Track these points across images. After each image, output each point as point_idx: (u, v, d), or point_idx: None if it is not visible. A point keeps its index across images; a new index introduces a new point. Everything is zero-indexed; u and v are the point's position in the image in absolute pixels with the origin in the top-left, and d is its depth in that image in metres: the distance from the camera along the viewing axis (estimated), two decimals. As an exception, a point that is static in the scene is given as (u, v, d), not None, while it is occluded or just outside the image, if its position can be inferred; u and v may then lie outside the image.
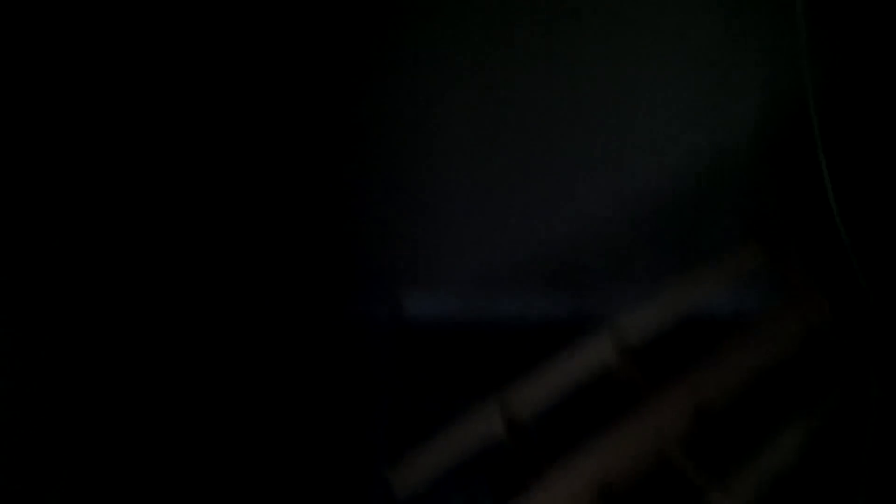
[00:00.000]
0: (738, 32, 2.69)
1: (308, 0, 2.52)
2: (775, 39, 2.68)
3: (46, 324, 2.37)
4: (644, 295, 2.61)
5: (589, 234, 2.88)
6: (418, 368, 2.70)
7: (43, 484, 2.29)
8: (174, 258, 2.70)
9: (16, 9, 2.22)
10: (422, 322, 2.79)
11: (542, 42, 2.67)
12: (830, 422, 2.55)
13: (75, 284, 2.44)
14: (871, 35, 2.65)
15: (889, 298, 2.65)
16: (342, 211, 2.87)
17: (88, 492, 2.35)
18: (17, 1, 2.20)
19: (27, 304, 2.32)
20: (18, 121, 2.26)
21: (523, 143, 2.83)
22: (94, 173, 2.48)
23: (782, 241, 2.77)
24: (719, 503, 2.39)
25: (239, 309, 2.79)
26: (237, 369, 2.70)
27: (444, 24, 2.63)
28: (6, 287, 2.24)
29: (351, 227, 2.89)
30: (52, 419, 2.35)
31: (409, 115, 2.76)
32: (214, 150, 2.67)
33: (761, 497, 2.42)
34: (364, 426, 2.61)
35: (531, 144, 2.83)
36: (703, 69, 2.73)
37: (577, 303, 2.83)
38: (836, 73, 2.68)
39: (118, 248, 2.58)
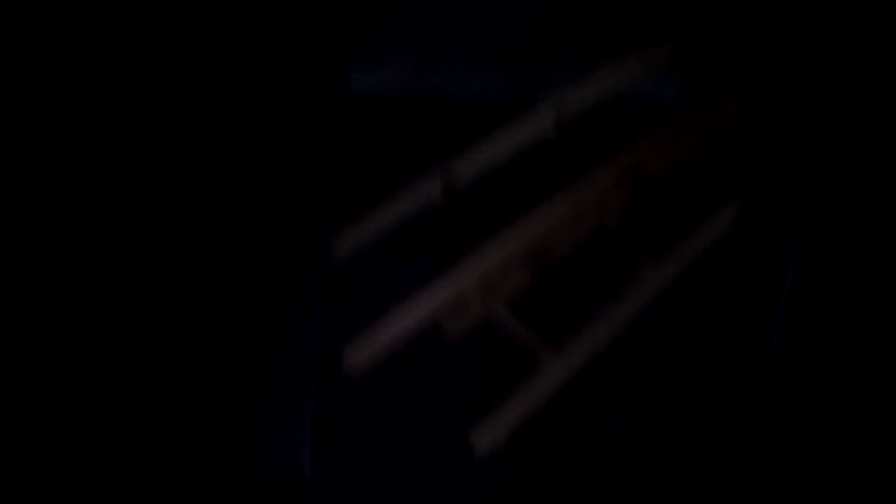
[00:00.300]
0: None
1: None
2: None
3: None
4: (582, 74, 2.64)
5: (531, 17, 2.86)
6: (363, 141, 2.71)
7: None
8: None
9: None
10: (368, 96, 2.78)
11: None
12: (763, 201, 2.62)
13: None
14: None
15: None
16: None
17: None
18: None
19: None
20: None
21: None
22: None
23: (712, 28, 2.78)
24: (652, 274, 2.47)
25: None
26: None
27: None
28: None
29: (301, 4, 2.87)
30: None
31: None
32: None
33: (691, 269, 2.50)
34: (309, 194, 2.63)
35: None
36: None
37: (518, 81, 2.82)
38: None
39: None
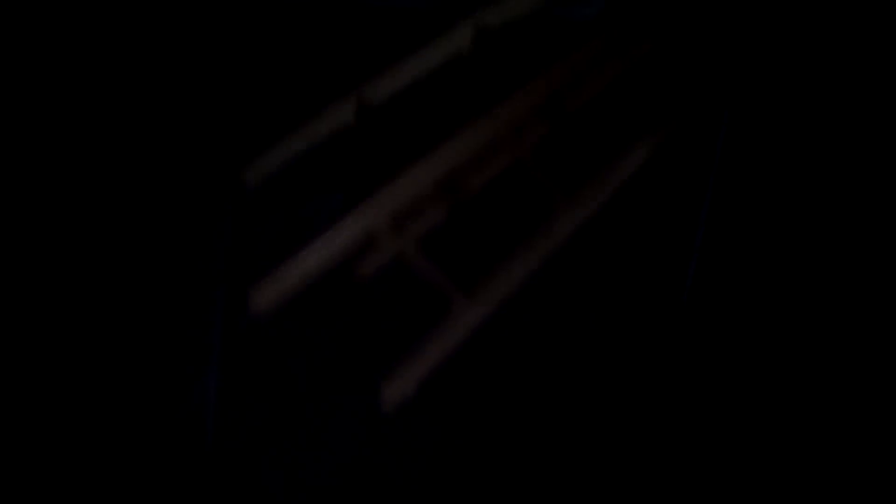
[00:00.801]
0: None
1: None
2: None
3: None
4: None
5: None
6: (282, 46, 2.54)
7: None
8: None
9: None
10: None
11: None
12: (678, 138, 2.58)
13: None
14: None
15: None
16: None
17: None
18: None
19: None
20: None
21: None
22: None
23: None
24: (566, 209, 2.41)
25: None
26: None
27: None
28: None
29: None
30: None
31: None
32: None
33: (605, 205, 2.46)
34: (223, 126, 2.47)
35: None
36: None
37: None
38: None
39: None
